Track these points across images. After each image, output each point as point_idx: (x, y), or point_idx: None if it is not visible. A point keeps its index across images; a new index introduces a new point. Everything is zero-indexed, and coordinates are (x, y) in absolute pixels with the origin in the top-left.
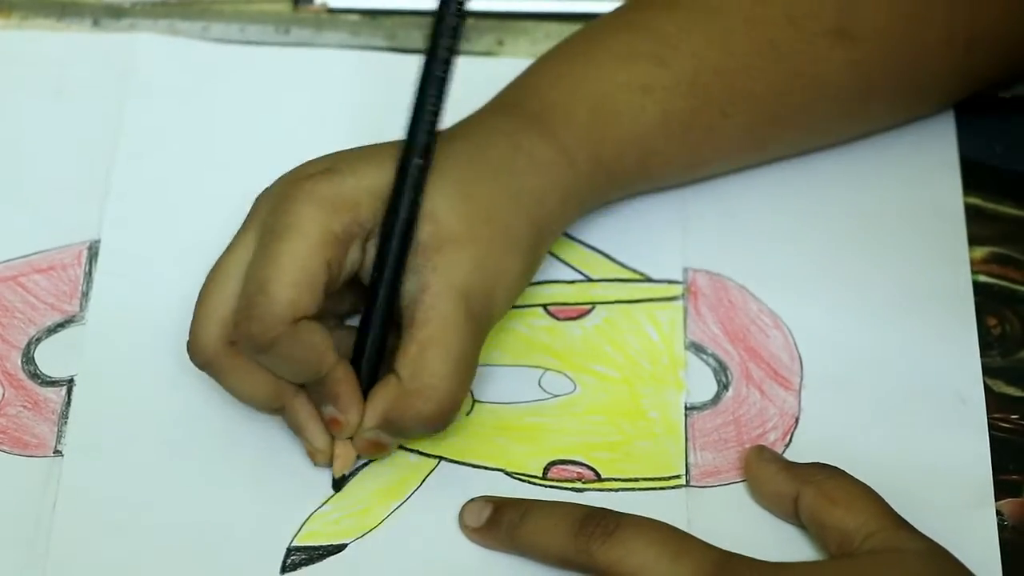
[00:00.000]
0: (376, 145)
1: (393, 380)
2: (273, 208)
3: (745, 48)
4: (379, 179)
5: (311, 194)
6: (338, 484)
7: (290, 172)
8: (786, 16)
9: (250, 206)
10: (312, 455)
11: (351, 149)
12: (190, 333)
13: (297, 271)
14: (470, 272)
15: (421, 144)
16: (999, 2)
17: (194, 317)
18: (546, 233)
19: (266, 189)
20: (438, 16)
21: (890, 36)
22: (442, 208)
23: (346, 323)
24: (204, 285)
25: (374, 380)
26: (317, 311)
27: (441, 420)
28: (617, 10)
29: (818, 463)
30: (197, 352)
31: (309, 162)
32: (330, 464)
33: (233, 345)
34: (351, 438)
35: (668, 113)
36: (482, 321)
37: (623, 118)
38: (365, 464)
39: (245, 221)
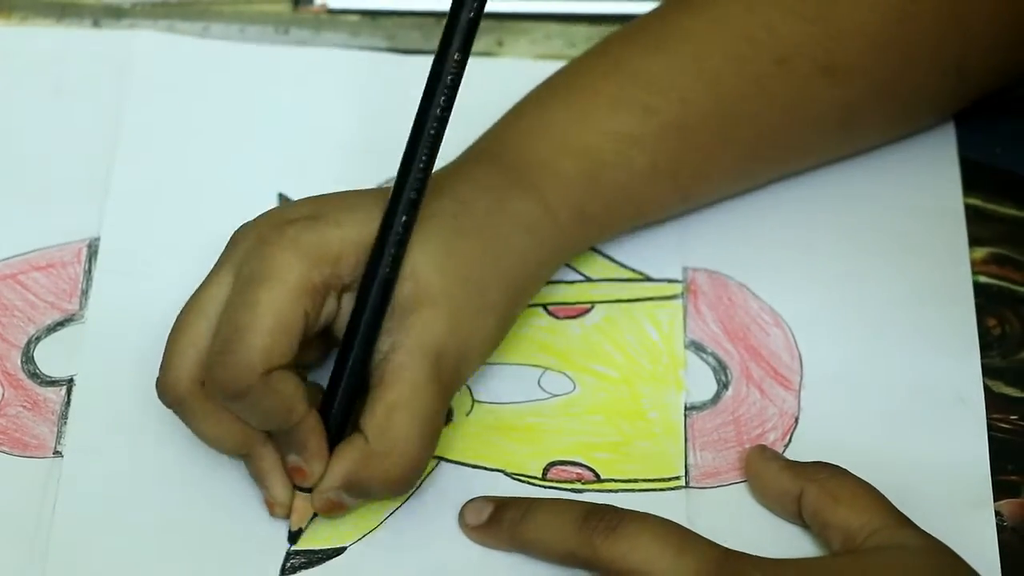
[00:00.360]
0: (361, 192)
1: (359, 440)
2: (252, 252)
3: (733, 90)
4: (363, 231)
5: (293, 242)
6: (294, 537)
7: (270, 213)
8: (773, 56)
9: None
10: (270, 506)
11: (335, 194)
12: (160, 370)
13: (274, 320)
14: (443, 334)
15: (408, 200)
16: (989, 30)
17: (165, 354)
18: (522, 295)
19: (243, 226)
20: (434, 70)
21: (879, 70)
22: (423, 267)
23: (308, 378)
24: (176, 322)
25: (340, 436)
26: (290, 361)
27: (405, 482)
28: (601, 46)
29: (820, 462)
30: (166, 391)
31: (292, 205)
32: (287, 517)
33: (204, 386)
34: (310, 492)
35: (656, 161)
36: (450, 383)
37: (610, 170)
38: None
39: (220, 258)
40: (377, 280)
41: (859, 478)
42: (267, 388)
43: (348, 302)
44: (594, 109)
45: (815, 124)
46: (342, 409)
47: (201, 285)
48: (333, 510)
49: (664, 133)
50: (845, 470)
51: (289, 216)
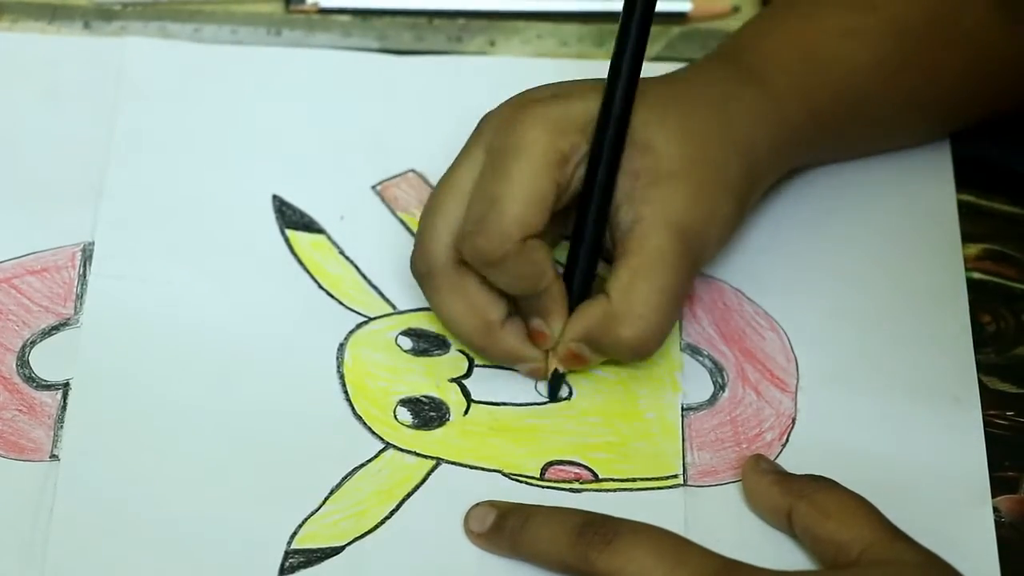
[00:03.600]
0: (601, 79)
1: (603, 300)
2: (501, 129)
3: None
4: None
5: (540, 116)
6: (553, 391)
7: (516, 97)
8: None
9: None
10: (534, 373)
11: (574, 80)
12: (416, 243)
13: (528, 189)
14: (684, 209)
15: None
16: None
17: (421, 229)
18: (757, 180)
19: (490, 112)
20: None
21: None
22: (660, 141)
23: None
24: (430, 201)
25: (580, 300)
26: (543, 230)
27: (642, 348)
28: None
29: (811, 475)
30: (422, 261)
31: (533, 88)
32: (546, 377)
33: (457, 264)
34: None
35: (880, 58)
36: (694, 258)
37: (835, 64)
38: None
39: (468, 141)
40: (607, 139)
41: (850, 491)
42: (521, 255)
43: None
44: (815, 9)
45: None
46: (583, 274)
47: (452, 166)
48: (574, 362)
49: (886, 28)
50: (835, 484)
51: (534, 96)
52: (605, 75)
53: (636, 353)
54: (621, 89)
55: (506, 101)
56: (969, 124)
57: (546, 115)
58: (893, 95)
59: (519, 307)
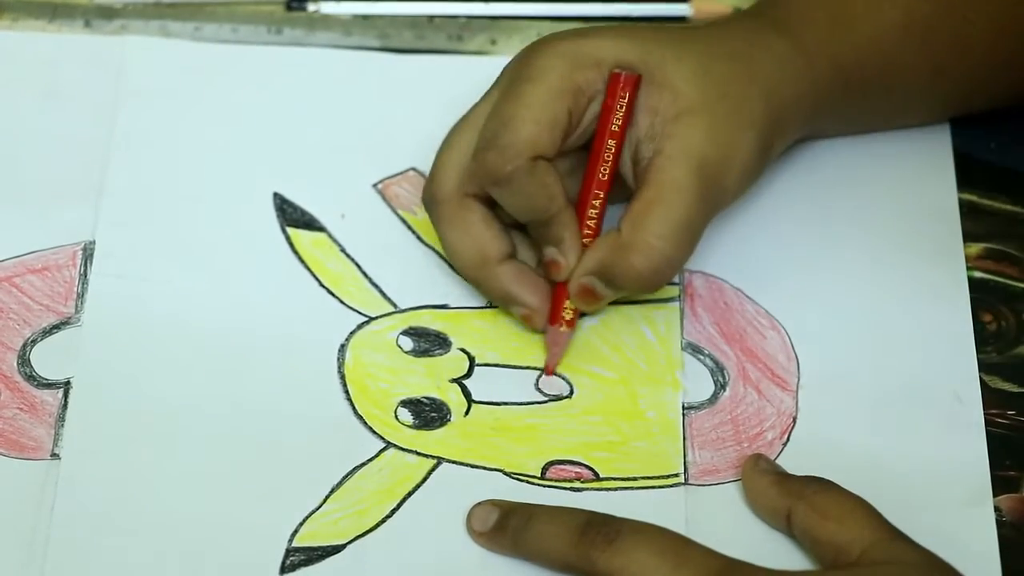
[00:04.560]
0: (624, 25)
1: (614, 233)
2: (518, 62)
3: None
4: (621, 43)
5: (556, 48)
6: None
7: (541, 37)
8: None
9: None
10: (527, 319)
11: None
12: (430, 173)
13: (539, 110)
14: (703, 141)
15: None
16: None
17: (435, 161)
18: (781, 121)
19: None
20: None
21: None
22: (679, 79)
23: None
24: (448, 135)
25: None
26: (553, 154)
27: (653, 279)
28: None
29: (810, 476)
30: (431, 189)
31: (560, 31)
32: (543, 328)
33: (464, 196)
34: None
35: (908, 19)
36: (712, 192)
37: (862, 21)
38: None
39: (489, 90)
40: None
41: (848, 492)
42: (530, 175)
43: None
44: None
45: None
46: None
47: (474, 105)
48: (587, 298)
49: None
50: (834, 485)
51: (553, 35)
52: None
53: (647, 283)
54: None
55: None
56: (994, 104)
57: (562, 48)
58: (921, 60)
59: (533, 240)
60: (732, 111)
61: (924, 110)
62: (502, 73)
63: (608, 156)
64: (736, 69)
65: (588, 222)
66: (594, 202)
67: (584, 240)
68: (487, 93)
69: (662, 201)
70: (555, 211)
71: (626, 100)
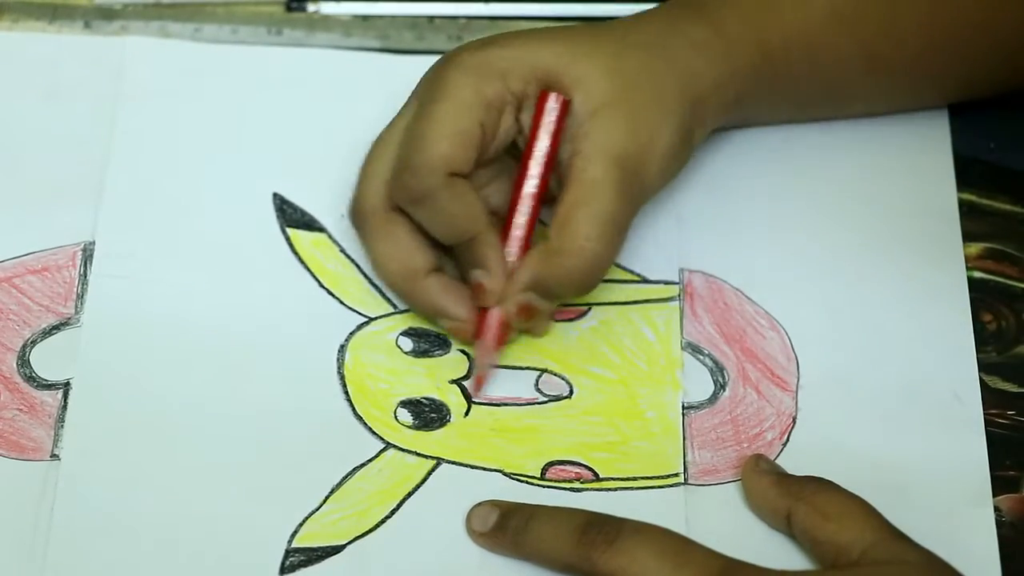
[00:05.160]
0: (534, 29)
1: (542, 243)
2: (429, 78)
3: None
4: (527, 49)
5: (462, 63)
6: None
7: (450, 50)
8: None
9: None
10: (456, 332)
11: (506, 32)
12: (355, 188)
13: (451, 127)
14: (620, 135)
15: None
16: None
17: (360, 174)
18: (699, 106)
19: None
20: None
21: None
22: (591, 76)
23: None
24: (369, 152)
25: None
26: (469, 170)
27: (587, 280)
28: None
29: (810, 477)
30: (356, 205)
31: (469, 41)
32: (471, 339)
33: (388, 210)
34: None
35: (837, 5)
36: (633, 185)
37: (788, 6)
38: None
39: (407, 100)
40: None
41: (848, 492)
42: (449, 192)
43: (527, 119)
44: None
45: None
46: (524, 220)
47: (390, 122)
48: (526, 315)
49: None
50: (834, 485)
51: (461, 47)
52: None
53: (581, 286)
54: None
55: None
56: (947, 99)
57: (468, 62)
58: (852, 49)
59: (459, 263)
60: (648, 101)
61: (867, 101)
62: (416, 87)
63: (536, 172)
64: (650, 58)
65: (515, 237)
66: (518, 219)
67: (513, 259)
68: (405, 105)
69: (585, 202)
70: (477, 230)
71: (554, 120)
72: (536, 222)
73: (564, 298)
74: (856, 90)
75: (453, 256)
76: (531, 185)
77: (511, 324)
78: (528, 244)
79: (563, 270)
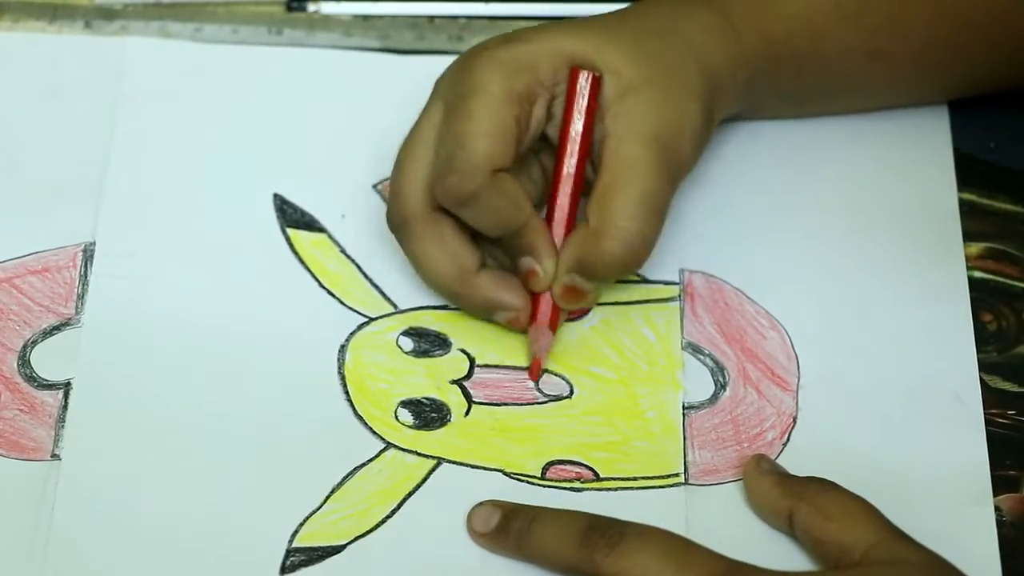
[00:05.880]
0: (551, 23)
1: (583, 225)
2: (456, 76)
3: None
4: (553, 42)
5: (491, 59)
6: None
7: (468, 49)
8: None
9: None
10: (513, 322)
11: (524, 27)
12: (390, 196)
13: (490, 124)
14: (653, 115)
15: None
16: None
17: (392, 183)
18: (717, 87)
19: (442, 74)
20: None
21: None
22: (616, 60)
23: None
24: (399, 156)
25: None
26: (511, 164)
27: (631, 260)
28: None
29: (812, 477)
30: (397, 211)
31: (489, 38)
32: (526, 326)
33: (432, 211)
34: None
35: None
36: (669, 162)
37: None
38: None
39: (428, 100)
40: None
41: (850, 493)
42: (494, 188)
43: (559, 110)
44: None
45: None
46: (566, 203)
47: (415, 123)
48: (573, 298)
49: None
50: (836, 485)
51: (484, 44)
52: None
53: (625, 266)
54: None
55: (462, 54)
56: (948, 95)
57: (497, 57)
58: (856, 40)
59: (507, 252)
60: (672, 82)
61: (869, 94)
62: (438, 86)
63: (574, 151)
64: (668, 42)
65: (559, 220)
66: (560, 201)
67: (559, 241)
68: (428, 107)
69: (621, 182)
70: (524, 220)
71: (586, 96)
72: (578, 202)
73: (609, 279)
74: (858, 82)
75: (491, 247)
76: (570, 165)
77: (560, 307)
78: (572, 224)
79: (606, 252)
